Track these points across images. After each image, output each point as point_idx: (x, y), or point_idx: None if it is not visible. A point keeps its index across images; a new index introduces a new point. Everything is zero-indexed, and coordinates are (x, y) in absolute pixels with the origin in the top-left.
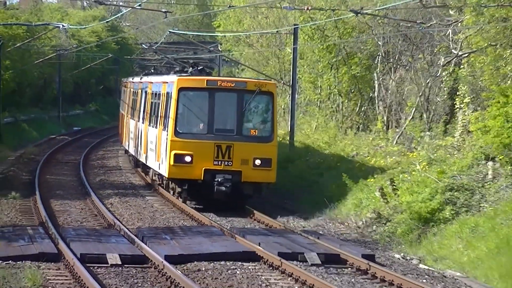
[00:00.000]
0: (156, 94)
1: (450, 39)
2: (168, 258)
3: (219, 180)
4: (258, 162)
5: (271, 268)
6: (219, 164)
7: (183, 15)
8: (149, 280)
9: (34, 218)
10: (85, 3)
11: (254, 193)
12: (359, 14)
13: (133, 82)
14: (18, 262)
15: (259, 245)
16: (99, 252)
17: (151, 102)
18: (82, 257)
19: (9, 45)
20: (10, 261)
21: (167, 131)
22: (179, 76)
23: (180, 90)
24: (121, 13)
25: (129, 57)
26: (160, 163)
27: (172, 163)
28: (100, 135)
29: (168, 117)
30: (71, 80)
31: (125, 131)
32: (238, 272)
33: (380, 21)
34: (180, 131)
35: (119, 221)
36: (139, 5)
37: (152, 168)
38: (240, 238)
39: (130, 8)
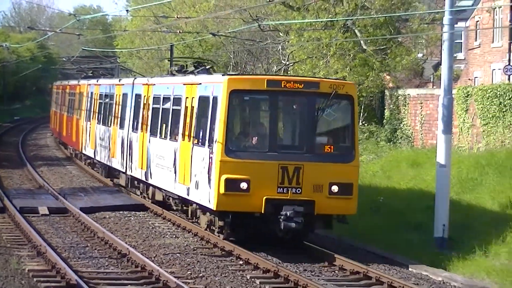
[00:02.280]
0: (167, 99)
1: (280, 53)
2: (82, 209)
3: (288, 214)
4: (335, 188)
5: (155, 215)
6: (285, 191)
7: (92, 36)
8: (69, 225)
9: None
10: (21, 29)
11: (325, 227)
12: (216, 36)
13: (100, 85)
14: None
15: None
16: (32, 206)
17: (161, 109)
18: (20, 209)
19: None
20: None
21: (209, 147)
22: (230, 75)
23: (232, 93)
24: (47, 36)
25: (53, 67)
26: (194, 188)
27: (222, 191)
28: (33, 123)
29: (210, 129)
30: (12, 83)
31: (83, 134)
32: (132, 218)
33: (231, 40)
34: (233, 149)
35: (47, 183)
36: (60, 30)
37: (167, 190)
38: (134, 195)
39: (54, 32)
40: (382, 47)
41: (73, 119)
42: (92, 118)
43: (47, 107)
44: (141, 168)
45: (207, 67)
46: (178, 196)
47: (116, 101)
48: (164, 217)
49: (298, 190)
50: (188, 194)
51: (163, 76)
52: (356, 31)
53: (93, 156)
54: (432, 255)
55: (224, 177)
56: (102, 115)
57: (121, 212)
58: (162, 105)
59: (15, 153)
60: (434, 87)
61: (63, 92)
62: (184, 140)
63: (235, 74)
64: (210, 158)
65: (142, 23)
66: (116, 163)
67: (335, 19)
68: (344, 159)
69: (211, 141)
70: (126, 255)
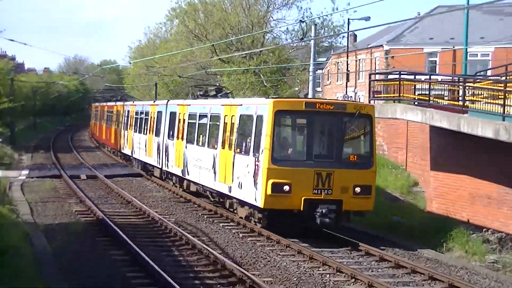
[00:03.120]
0: (203, 116)
1: None
2: (106, 176)
3: (323, 211)
4: (358, 189)
5: (147, 179)
6: (319, 193)
7: (110, 77)
8: (98, 185)
9: (50, 161)
10: (70, 73)
11: (347, 220)
12: (181, 77)
13: (136, 105)
14: (44, 179)
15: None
16: (77, 174)
17: (197, 123)
18: (70, 176)
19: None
20: (40, 178)
21: (254, 156)
22: (274, 98)
23: (277, 113)
24: (84, 77)
25: (88, 95)
26: (236, 187)
27: (269, 192)
28: (77, 128)
29: (255, 141)
30: (64, 104)
31: (121, 139)
32: (134, 181)
33: (190, 79)
34: (278, 158)
35: (85, 161)
36: (92, 74)
37: (205, 185)
38: (135, 168)
39: (88, 75)
40: (275, 84)
41: (112, 128)
42: (129, 129)
43: (85, 119)
44: (178, 167)
45: (227, 92)
46: (217, 191)
47: (151, 116)
48: (152, 181)
49: (329, 192)
50: (230, 191)
51: (195, 99)
52: (261, 75)
53: (130, 154)
54: None
55: (270, 181)
56: (138, 126)
57: (127, 177)
58: (199, 120)
59: (66, 144)
60: None
61: (102, 110)
62: (224, 148)
63: (277, 97)
64: (256, 165)
65: (138, 69)
66: (152, 161)
67: (248, 68)
68: (365, 166)
69: (256, 151)
70: (130, 202)
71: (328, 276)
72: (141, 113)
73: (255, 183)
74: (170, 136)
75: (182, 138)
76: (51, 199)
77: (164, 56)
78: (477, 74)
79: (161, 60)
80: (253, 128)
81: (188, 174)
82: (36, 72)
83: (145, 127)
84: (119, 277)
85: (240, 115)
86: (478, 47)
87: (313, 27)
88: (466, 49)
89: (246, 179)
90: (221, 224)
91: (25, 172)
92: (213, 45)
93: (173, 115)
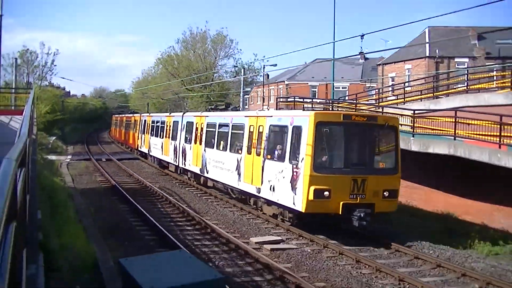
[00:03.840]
0: (224, 125)
1: (186, 106)
2: (118, 159)
3: (361, 215)
4: (386, 193)
5: (143, 162)
6: (355, 197)
7: (121, 98)
8: (113, 165)
9: (84, 150)
10: (96, 97)
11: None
12: (163, 99)
13: (152, 116)
14: (80, 161)
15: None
16: (99, 158)
17: (217, 131)
18: (96, 159)
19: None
20: (78, 160)
21: (291, 163)
22: (313, 110)
23: (318, 124)
24: (106, 99)
25: (107, 110)
26: (267, 190)
27: (311, 198)
28: (100, 131)
29: (292, 149)
30: (92, 116)
31: (139, 140)
32: (134, 162)
33: (167, 101)
34: (319, 166)
35: (104, 150)
36: (110, 98)
37: (227, 184)
38: (136, 156)
39: (108, 98)
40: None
41: (130, 132)
42: (146, 133)
43: (106, 126)
44: (196, 166)
45: (236, 106)
46: (242, 190)
47: (167, 125)
48: (145, 162)
49: (363, 196)
50: (258, 192)
51: (210, 111)
52: (211, 98)
53: (147, 152)
54: None
55: (312, 187)
56: (154, 132)
57: (130, 160)
58: (219, 128)
59: (94, 140)
60: None
61: (121, 120)
62: (250, 153)
63: (319, 109)
64: (295, 172)
65: (137, 95)
66: (168, 159)
67: (203, 94)
68: (391, 172)
69: (293, 158)
70: (132, 175)
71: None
72: (157, 122)
73: (294, 188)
74: (188, 140)
75: (200, 143)
76: (84, 173)
77: (153, 87)
78: (340, 98)
79: (151, 89)
80: (288, 137)
81: (207, 173)
82: (76, 96)
83: (161, 133)
84: (125, 220)
85: (271, 125)
86: (340, 83)
87: (242, 70)
88: (333, 84)
89: (280, 184)
90: (186, 189)
91: (69, 156)
92: (182, 80)
93: (189, 124)
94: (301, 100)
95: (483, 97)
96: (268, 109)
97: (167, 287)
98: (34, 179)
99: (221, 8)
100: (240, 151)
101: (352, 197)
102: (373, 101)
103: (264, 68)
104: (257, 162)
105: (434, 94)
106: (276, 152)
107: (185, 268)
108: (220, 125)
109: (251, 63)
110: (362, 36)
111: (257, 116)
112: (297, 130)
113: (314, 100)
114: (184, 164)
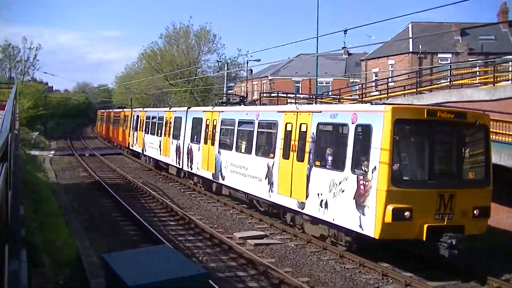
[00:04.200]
0: (245, 123)
1: (170, 101)
2: (101, 154)
3: (452, 242)
4: (476, 212)
5: (126, 157)
6: (441, 218)
7: (104, 93)
8: (96, 160)
9: (67, 145)
10: (80, 92)
11: None
12: (146, 94)
13: (147, 111)
14: (63, 156)
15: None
16: (82, 153)
17: (236, 130)
18: (79, 154)
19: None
20: (61, 156)
21: (354, 174)
22: (390, 104)
23: (397, 122)
24: (89, 94)
25: (90, 105)
26: (316, 205)
27: (388, 220)
28: (84, 126)
29: (355, 156)
30: (75, 110)
31: (130, 138)
32: (118, 157)
33: (151, 96)
34: (398, 178)
35: (87, 145)
36: (93, 93)
37: (254, 194)
38: (118, 149)
39: (91, 93)
40: (203, 99)
41: (119, 129)
42: (139, 130)
43: (90, 121)
44: (208, 170)
45: (255, 100)
46: (274, 203)
47: (166, 121)
48: (127, 157)
49: (450, 216)
50: (301, 208)
51: (220, 106)
52: (194, 93)
53: (140, 152)
54: None
55: (391, 207)
56: (149, 129)
57: (114, 155)
58: (238, 126)
59: (78, 135)
60: None
61: (108, 115)
62: (287, 158)
63: (395, 104)
64: (362, 185)
65: (121, 90)
66: (169, 160)
67: (187, 89)
68: (482, 184)
69: (357, 167)
70: (115, 170)
71: None
72: (153, 118)
73: (360, 206)
74: (195, 140)
75: (213, 143)
76: (67, 168)
77: (136, 82)
78: (323, 93)
79: (135, 84)
80: (350, 139)
81: (222, 179)
82: (59, 92)
83: (159, 130)
84: (109, 215)
85: (319, 123)
86: (323, 78)
87: (225, 64)
88: (317, 79)
89: (338, 199)
90: (170, 184)
91: (52, 152)
92: (165, 75)
93: (197, 120)
94: (285, 95)
95: (466, 92)
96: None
97: (150, 282)
98: (16, 174)
99: (204, 3)
100: (271, 155)
101: (437, 217)
102: (357, 97)
103: (247, 63)
104: (299, 170)
105: (417, 89)
106: (329, 158)
107: (169, 263)
108: (241, 122)
109: (234, 58)
110: (345, 31)
111: (298, 112)
112: (365, 130)
113: (298, 95)
114: (190, 167)
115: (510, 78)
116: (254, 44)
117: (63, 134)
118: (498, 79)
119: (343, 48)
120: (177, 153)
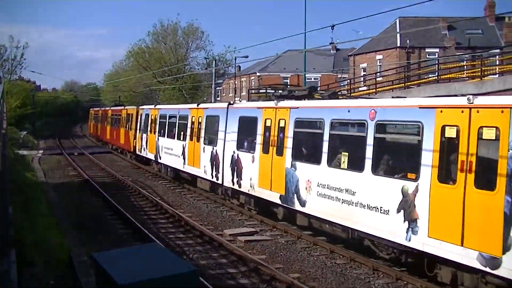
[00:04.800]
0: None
1: (158, 98)
2: (90, 153)
3: None
4: None
5: (114, 155)
6: None
7: (92, 92)
8: (85, 159)
9: (56, 144)
10: (68, 90)
11: None
12: (134, 92)
13: (160, 109)
14: (52, 155)
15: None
16: (72, 152)
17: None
18: (68, 153)
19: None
20: (48, 155)
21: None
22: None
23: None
24: (77, 92)
25: (79, 104)
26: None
27: None
28: (74, 125)
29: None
30: (65, 110)
31: (137, 140)
32: (107, 156)
33: (139, 93)
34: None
35: (77, 144)
36: (81, 92)
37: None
38: (107, 148)
39: (79, 92)
40: (191, 96)
41: (120, 130)
42: (151, 132)
43: (78, 120)
44: (271, 190)
45: (335, 91)
46: (413, 248)
47: (192, 121)
48: (116, 155)
49: None
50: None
51: (274, 99)
52: (183, 90)
53: (153, 159)
54: None
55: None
56: (166, 131)
57: (103, 154)
58: (333, 130)
59: (67, 134)
60: None
61: (104, 113)
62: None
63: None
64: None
65: (109, 88)
66: (198, 172)
67: (175, 86)
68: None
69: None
70: (104, 168)
71: None
72: (171, 117)
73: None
74: (244, 147)
75: (280, 153)
76: (56, 167)
77: (124, 80)
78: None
79: (123, 82)
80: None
81: (301, 205)
82: (47, 90)
83: (181, 132)
84: (98, 213)
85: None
86: (312, 74)
87: (213, 61)
88: (305, 75)
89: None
90: (159, 182)
91: (41, 151)
92: (153, 73)
93: (247, 121)
94: (272, 91)
95: (454, 86)
96: (240, 102)
97: (141, 280)
98: (5, 174)
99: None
100: (404, 175)
101: None
102: (345, 92)
103: (235, 59)
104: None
105: (406, 84)
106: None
107: (159, 261)
108: (339, 124)
109: (222, 54)
110: (333, 26)
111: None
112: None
113: None
114: (237, 184)
115: (497, 72)
116: (242, 40)
117: (51, 133)
118: (486, 73)
119: (330, 43)
120: (213, 164)
